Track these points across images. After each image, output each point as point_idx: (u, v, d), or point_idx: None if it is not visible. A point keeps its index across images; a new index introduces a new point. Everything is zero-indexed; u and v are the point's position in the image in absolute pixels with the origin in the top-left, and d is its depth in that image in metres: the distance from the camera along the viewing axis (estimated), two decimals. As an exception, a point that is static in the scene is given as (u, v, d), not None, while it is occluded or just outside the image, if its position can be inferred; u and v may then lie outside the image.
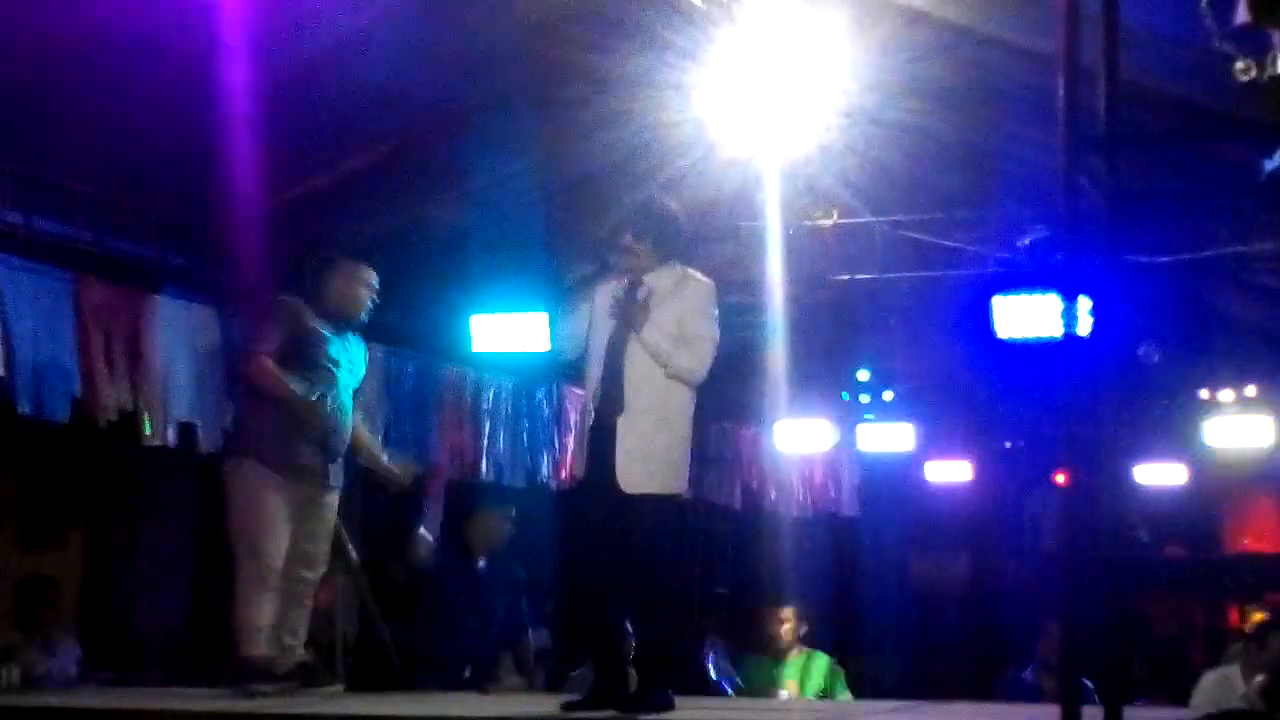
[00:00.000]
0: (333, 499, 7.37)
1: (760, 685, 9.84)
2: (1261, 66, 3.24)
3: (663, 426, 6.11)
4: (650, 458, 6.07)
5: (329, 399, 7.16)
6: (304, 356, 7.16)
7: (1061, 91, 2.99)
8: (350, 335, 7.49)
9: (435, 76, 8.40)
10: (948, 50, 7.92)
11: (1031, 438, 15.84)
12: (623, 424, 6.06)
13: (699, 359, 6.16)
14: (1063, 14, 2.94)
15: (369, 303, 7.50)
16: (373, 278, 7.52)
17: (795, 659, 9.97)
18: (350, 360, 7.40)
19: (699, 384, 6.22)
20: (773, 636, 10.01)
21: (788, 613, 10.06)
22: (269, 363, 7.12)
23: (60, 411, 8.37)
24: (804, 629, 10.23)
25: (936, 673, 15.28)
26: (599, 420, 6.14)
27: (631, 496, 6.01)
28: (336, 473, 7.33)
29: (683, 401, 6.20)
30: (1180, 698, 9.89)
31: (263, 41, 7.62)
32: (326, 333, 7.28)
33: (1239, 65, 3.35)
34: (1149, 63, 6.43)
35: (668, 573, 6.22)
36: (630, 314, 6.09)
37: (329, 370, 7.22)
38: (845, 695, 9.91)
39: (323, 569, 7.44)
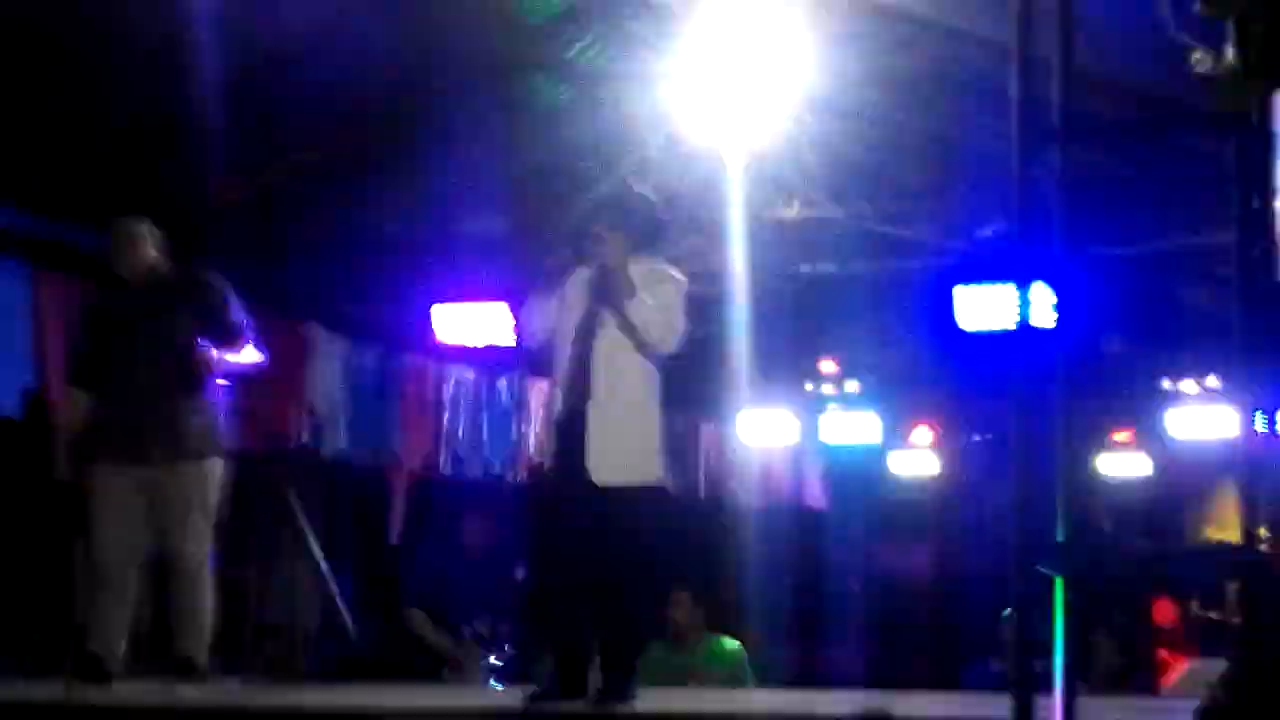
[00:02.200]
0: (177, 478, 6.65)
1: (660, 672, 9.74)
2: (1217, 57, 3.25)
3: (632, 415, 6.09)
4: (622, 448, 6.05)
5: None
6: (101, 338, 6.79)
7: (1015, 82, 3.00)
8: (154, 286, 6.78)
9: (396, 67, 8.38)
10: (909, 42, 7.94)
11: (996, 429, 15.88)
12: (593, 414, 6.03)
13: (662, 333, 6.13)
14: (1016, 4, 2.95)
15: (119, 255, 6.74)
16: (122, 226, 6.78)
17: (697, 646, 9.87)
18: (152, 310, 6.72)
19: (666, 352, 6.17)
20: (673, 622, 9.91)
21: (682, 597, 9.93)
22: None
23: (14, 407, 8.31)
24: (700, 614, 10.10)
25: (901, 664, 15.30)
26: (567, 410, 6.12)
27: (605, 488, 5.99)
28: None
29: (651, 389, 6.18)
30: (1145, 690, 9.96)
31: (219, 36, 7.60)
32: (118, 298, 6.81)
33: (1195, 55, 3.36)
34: (1105, 54, 6.46)
35: (640, 566, 6.20)
36: (613, 293, 6.03)
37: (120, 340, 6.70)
38: (750, 684, 9.81)
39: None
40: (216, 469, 6.76)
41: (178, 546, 6.61)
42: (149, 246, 6.75)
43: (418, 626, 8.92)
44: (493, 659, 9.39)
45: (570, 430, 6.07)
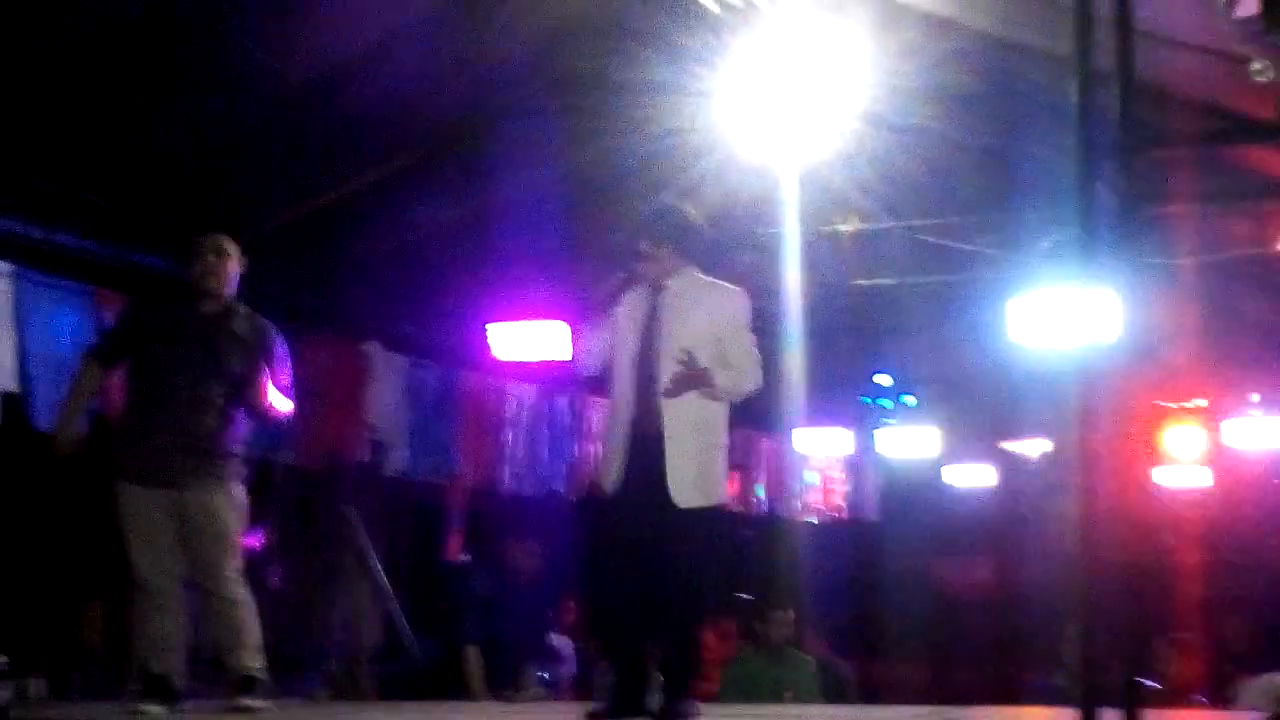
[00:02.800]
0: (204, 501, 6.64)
1: (756, 681, 9.77)
2: (1277, 68, 3.23)
3: (706, 440, 6.09)
4: (700, 472, 6.05)
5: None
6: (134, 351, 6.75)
7: (1075, 96, 2.99)
8: (223, 315, 6.77)
9: (455, 86, 8.43)
10: (967, 55, 7.92)
11: (1056, 441, 15.79)
12: (670, 439, 6.01)
13: (745, 376, 6.12)
14: (1075, 17, 2.94)
15: (207, 269, 6.69)
16: (201, 247, 6.75)
17: (785, 658, 9.95)
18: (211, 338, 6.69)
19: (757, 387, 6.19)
20: (767, 635, 9.98)
21: (787, 615, 10.04)
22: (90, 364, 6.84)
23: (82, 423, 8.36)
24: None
25: (960, 678, 15.23)
26: (636, 434, 6.09)
27: (683, 510, 5.98)
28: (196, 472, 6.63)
29: (720, 412, 6.18)
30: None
31: (283, 54, 7.65)
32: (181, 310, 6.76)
33: (1255, 66, 3.34)
34: (1167, 65, 6.43)
35: (707, 584, 6.21)
36: (689, 380, 6.01)
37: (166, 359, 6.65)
38: (820, 697, 9.90)
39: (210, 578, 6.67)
40: (240, 493, 6.78)
41: (209, 568, 6.62)
42: (233, 267, 6.76)
43: (468, 664, 8.95)
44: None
45: (641, 454, 6.05)
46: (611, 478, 6.12)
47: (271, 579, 9.78)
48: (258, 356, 6.68)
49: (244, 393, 6.66)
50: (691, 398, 6.00)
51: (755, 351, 6.21)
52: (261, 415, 6.78)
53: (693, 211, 6.44)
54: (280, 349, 6.80)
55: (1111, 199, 3.13)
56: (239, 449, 6.77)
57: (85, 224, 8.59)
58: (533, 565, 9.36)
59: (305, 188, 9.03)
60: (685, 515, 5.97)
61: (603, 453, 6.51)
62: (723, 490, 6.20)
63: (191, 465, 6.58)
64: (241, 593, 6.68)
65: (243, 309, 6.80)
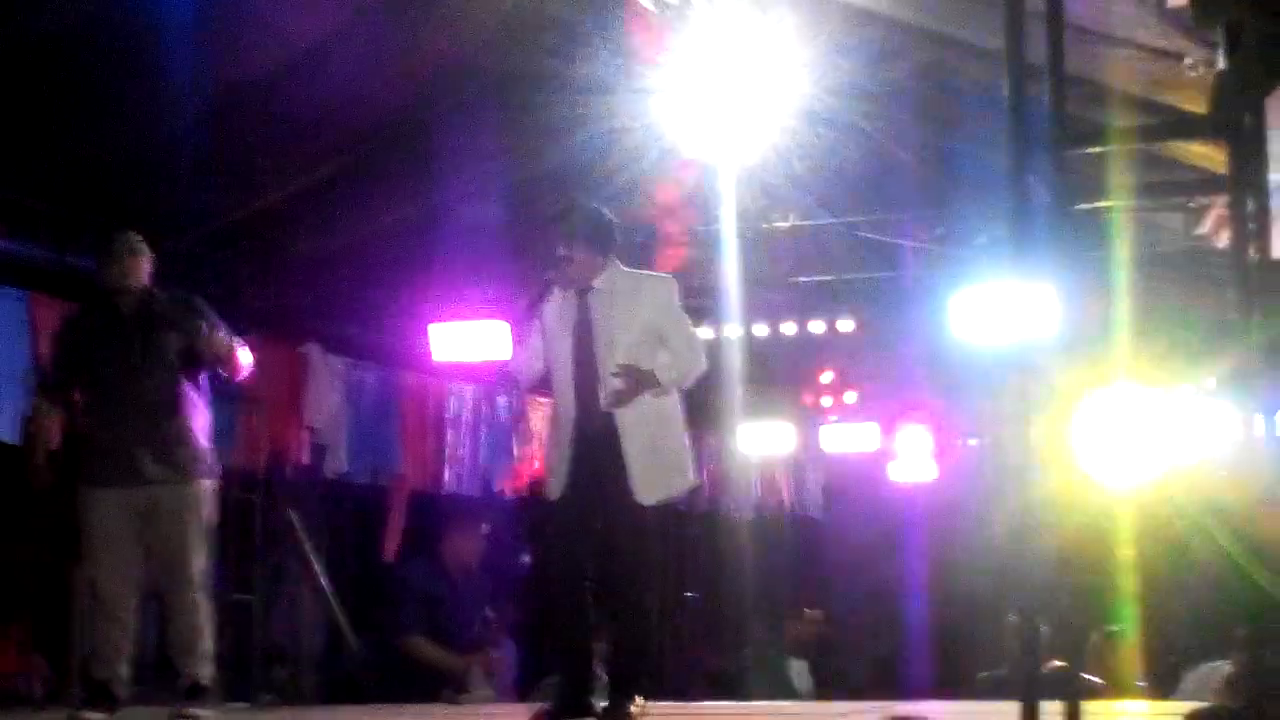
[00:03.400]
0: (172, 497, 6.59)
1: (786, 681, 9.90)
2: (1209, 63, 3.26)
3: (663, 431, 6.10)
4: (663, 466, 6.06)
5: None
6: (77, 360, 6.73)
7: (1006, 90, 3.00)
8: (146, 305, 6.71)
9: (394, 86, 8.39)
10: (901, 51, 7.95)
11: (994, 434, 15.88)
12: (625, 437, 6.01)
13: (690, 360, 6.13)
14: (1006, 12, 2.95)
15: (125, 270, 6.67)
16: (116, 247, 6.69)
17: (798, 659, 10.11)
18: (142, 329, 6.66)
19: (700, 372, 6.19)
20: (794, 636, 10.09)
21: (817, 614, 10.19)
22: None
23: (11, 432, 8.30)
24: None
25: (904, 673, 15.28)
26: (580, 437, 6.08)
27: (634, 507, 5.98)
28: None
29: (674, 402, 6.18)
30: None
31: (221, 53, 7.60)
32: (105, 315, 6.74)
33: (1187, 61, 3.37)
34: (1101, 60, 6.47)
35: (649, 579, 6.22)
36: (633, 390, 6.01)
37: (108, 360, 6.64)
38: None
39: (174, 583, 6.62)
40: (209, 489, 6.73)
41: (175, 568, 6.57)
42: (145, 262, 6.73)
43: (417, 651, 8.89)
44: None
45: (587, 453, 6.03)
46: (557, 482, 6.11)
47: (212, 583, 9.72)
48: (192, 322, 6.61)
49: (197, 360, 6.62)
50: (642, 396, 6.01)
51: (694, 333, 6.23)
52: (228, 370, 6.72)
53: (595, 203, 6.40)
54: (206, 308, 6.74)
55: (1045, 194, 3.14)
56: (204, 442, 6.71)
57: (19, 227, 8.51)
58: (471, 556, 9.29)
59: (244, 189, 8.97)
60: (637, 512, 5.98)
61: (546, 458, 6.50)
62: (687, 479, 6.22)
63: (158, 460, 6.55)
64: (203, 598, 6.65)
65: (157, 291, 6.76)
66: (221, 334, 6.65)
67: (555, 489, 6.11)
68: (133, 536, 6.56)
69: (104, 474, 6.56)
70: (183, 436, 6.61)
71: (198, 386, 6.73)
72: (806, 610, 9.87)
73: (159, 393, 6.59)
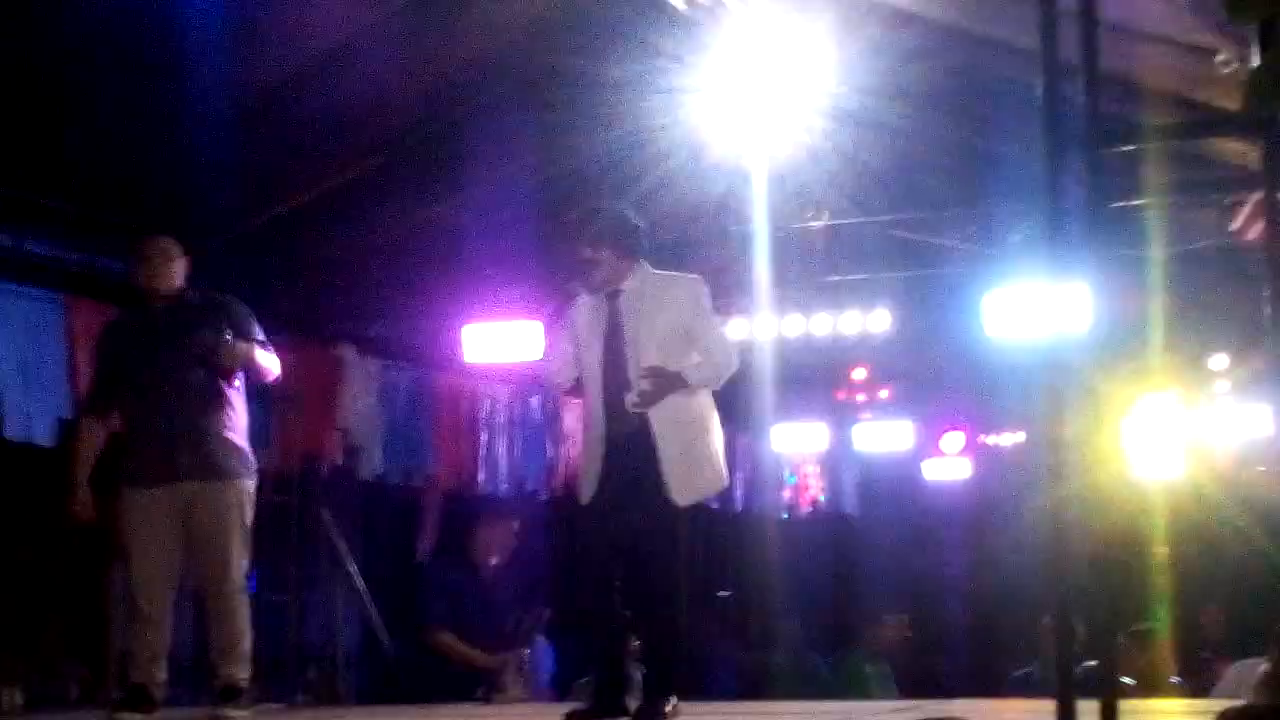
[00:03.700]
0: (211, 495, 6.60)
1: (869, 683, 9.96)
2: (1243, 59, 3.24)
3: (696, 432, 6.09)
4: (696, 466, 6.05)
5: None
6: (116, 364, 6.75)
7: (1041, 88, 2.99)
8: (180, 306, 6.75)
9: (423, 86, 8.41)
10: (935, 51, 7.92)
11: (1030, 433, 15.84)
12: (659, 438, 5.99)
13: (720, 360, 6.11)
14: (1040, 9, 2.94)
15: (154, 272, 6.68)
16: (145, 250, 6.73)
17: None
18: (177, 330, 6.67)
19: (731, 372, 6.17)
20: (885, 637, 10.14)
21: (904, 619, 10.25)
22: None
23: (47, 434, 8.33)
24: None
25: (938, 670, 15.25)
26: (612, 440, 6.07)
27: (667, 507, 5.98)
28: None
29: (704, 403, 6.17)
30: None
31: (249, 55, 7.63)
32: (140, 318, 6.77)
33: (1220, 58, 3.35)
34: (1134, 57, 6.44)
35: (682, 577, 6.21)
36: (659, 392, 6.02)
37: (142, 359, 6.67)
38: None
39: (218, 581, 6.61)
40: (249, 488, 6.73)
41: (215, 567, 6.58)
42: (179, 265, 6.75)
43: (443, 646, 8.87)
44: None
45: (622, 456, 6.03)
46: (588, 484, 6.10)
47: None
48: (219, 324, 6.61)
49: (213, 360, 6.61)
50: (672, 396, 6.00)
51: (724, 333, 6.22)
52: (254, 376, 6.75)
53: (627, 209, 6.38)
54: (244, 311, 6.76)
55: (1080, 192, 3.13)
56: (242, 440, 6.73)
57: (54, 231, 8.56)
58: (501, 552, 9.25)
59: (275, 191, 9.00)
60: (670, 512, 5.97)
61: (579, 461, 6.48)
62: (720, 480, 6.21)
63: (197, 458, 6.55)
64: (244, 599, 6.67)
65: (194, 291, 6.79)
66: (241, 344, 6.65)
67: (586, 492, 6.11)
68: (171, 536, 6.56)
69: (142, 473, 6.58)
70: (220, 434, 6.62)
71: (233, 385, 6.73)
72: (889, 616, 9.92)
73: (194, 391, 6.60)
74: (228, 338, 6.57)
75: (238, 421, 6.73)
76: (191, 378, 6.61)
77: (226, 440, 6.65)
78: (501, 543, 9.24)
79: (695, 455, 6.05)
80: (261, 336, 6.78)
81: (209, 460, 6.59)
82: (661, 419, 5.98)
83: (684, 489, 5.97)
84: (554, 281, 6.61)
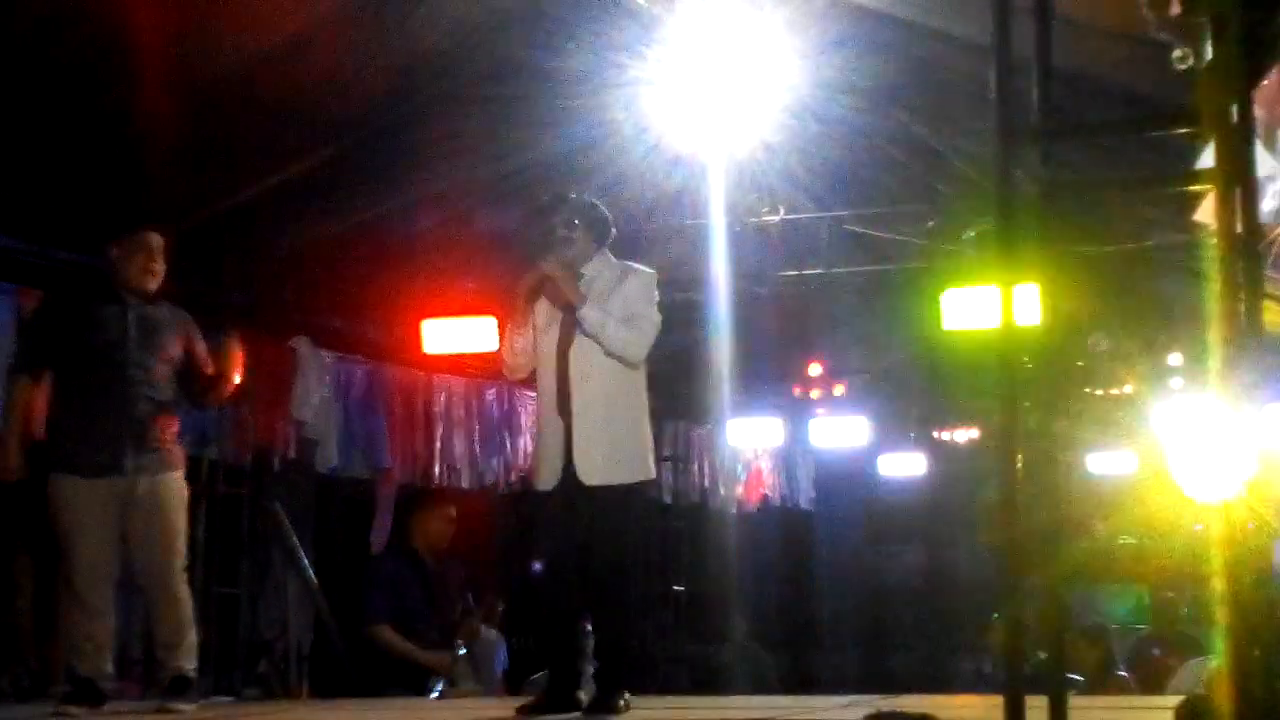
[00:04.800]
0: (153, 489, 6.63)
1: None
2: (1199, 55, 3.24)
3: (616, 414, 6.09)
4: (610, 447, 6.05)
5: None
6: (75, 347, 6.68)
7: (992, 81, 2.99)
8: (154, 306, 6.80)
9: (379, 77, 8.37)
10: (890, 46, 7.94)
11: (984, 429, 15.90)
12: (576, 417, 6.03)
13: (638, 336, 6.14)
14: (994, 3, 2.94)
15: (150, 272, 6.74)
16: (145, 247, 6.77)
17: None
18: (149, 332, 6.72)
19: (638, 361, 6.17)
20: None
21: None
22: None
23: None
24: None
25: (891, 665, 15.31)
26: (549, 419, 6.12)
27: (594, 490, 5.98)
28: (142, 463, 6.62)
29: (633, 387, 6.18)
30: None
31: (202, 45, 7.57)
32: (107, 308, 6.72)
33: (1176, 54, 3.35)
34: (1088, 52, 6.46)
35: (631, 568, 6.20)
36: (565, 283, 6.06)
37: (104, 350, 6.64)
38: None
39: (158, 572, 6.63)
40: (182, 480, 6.78)
41: (159, 560, 6.58)
42: (163, 262, 6.78)
43: (383, 641, 8.81)
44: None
45: (553, 437, 6.06)
46: (544, 473, 6.12)
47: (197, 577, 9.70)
48: (192, 339, 6.77)
49: (192, 375, 6.75)
50: (601, 376, 6.03)
51: (656, 322, 6.23)
52: (216, 391, 6.88)
53: (596, 201, 6.48)
54: (196, 331, 6.88)
55: (1032, 187, 3.13)
56: (180, 438, 6.82)
57: (2, 222, 8.49)
58: (440, 540, 9.18)
59: (229, 182, 8.94)
60: (605, 498, 5.98)
61: (533, 448, 6.51)
62: (643, 468, 6.20)
63: (142, 453, 6.56)
64: (185, 590, 6.68)
65: (162, 298, 6.85)
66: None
67: (543, 480, 6.13)
68: (111, 527, 6.55)
69: (84, 463, 6.55)
70: (163, 431, 6.66)
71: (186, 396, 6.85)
72: None
73: (155, 394, 6.64)
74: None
75: (178, 417, 6.81)
76: (151, 377, 6.64)
77: (168, 435, 6.69)
78: (440, 530, 9.16)
79: (613, 437, 6.05)
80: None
81: (155, 456, 6.62)
82: (581, 397, 6.01)
83: (594, 470, 5.98)
84: (511, 273, 6.60)
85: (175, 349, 6.73)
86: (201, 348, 6.83)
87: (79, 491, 6.54)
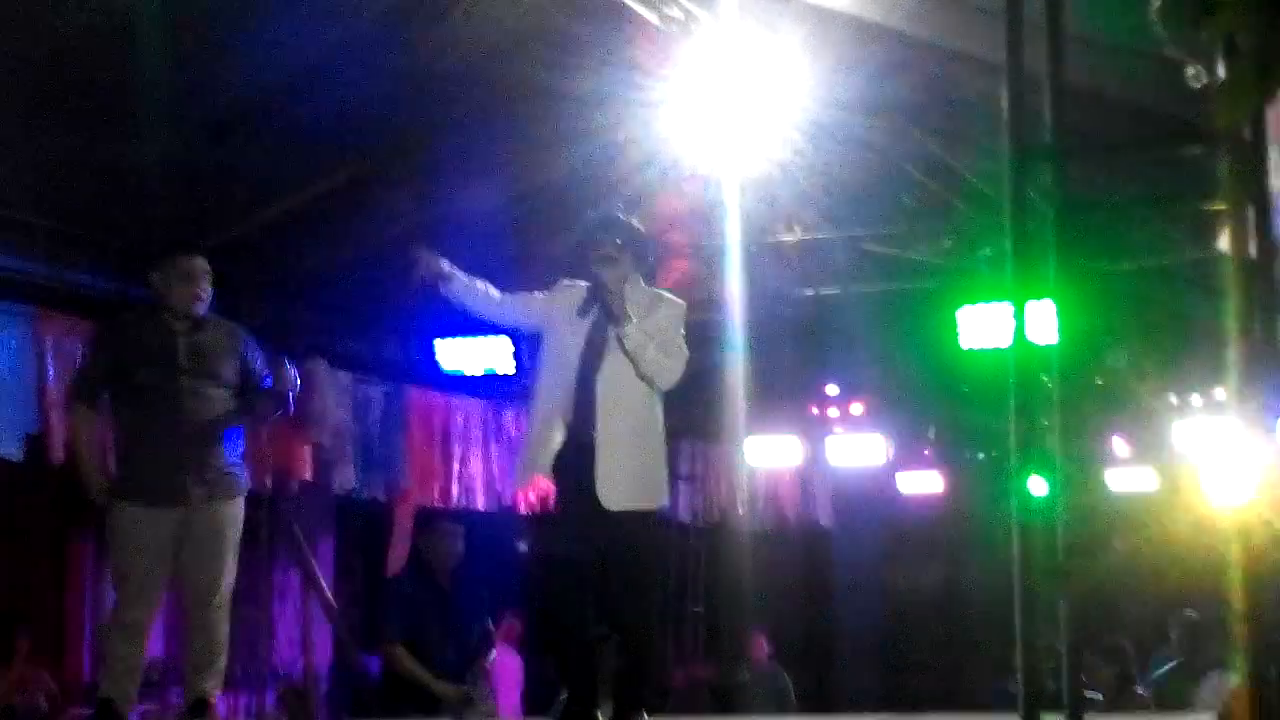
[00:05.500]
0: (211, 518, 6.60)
1: None
2: (1210, 72, 3.25)
3: (640, 442, 6.09)
4: (633, 474, 6.04)
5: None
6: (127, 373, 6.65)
7: (1005, 100, 2.99)
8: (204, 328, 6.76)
9: (397, 99, 8.39)
10: (906, 65, 7.94)
11: (1003, 447, 15.84)
12: (601, 441, 6.02)
13: (674, 364, 6.12)
14: (1006, 20, 2.94)
15: (199, 297, 6.70)
16: (195, 271, 6.72)
17: None
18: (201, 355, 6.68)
19: (667, 389, 6.17)
20: None
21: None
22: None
23: (15, 449, 8.28)
24: None
25: (911, 684, 15.26)
26: (574, 439, 6.10)
27: (615, 514, 5.97)
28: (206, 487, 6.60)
29: (656, 415, 6.18)
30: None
31: (223, 69, 7.61)
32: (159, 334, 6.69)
33: (1190, 71, 3.35)
34: (1101, 70, 6.46)
35: (650, 592, 6.19)
36: (614, 307, 6.03)
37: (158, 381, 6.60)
38: None
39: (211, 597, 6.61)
40: (241, 506, 6.74)
41: (206, 587, 6.56)
42: (209, 285, 6.76)
43: (396, 662, 8.77)
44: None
45: (578, 459, 6.04)
46: (557, 493, 6.09)
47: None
48: (251, 356, 6.74)
49: (258, 392, 6.73)
50: (631, 400, 6.02)
51: (684, 350, 6.22)
52: (282, 402, 6.84)
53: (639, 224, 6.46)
54: (252, 344, 6.84)
55: (1047, 204, 3.13)
56: (241, 463, 6.75)
57: (26, 245, 8.52)
58: (447, 558, 9.14)
59: (247, 204, 8.97)
60: (625, 522, 5.96)
61: (527, 457, 6.47)
62: (661, 495, 6.20)
63: (204, 483, 6.53)
64: (224, 616, 6.64)
65: (212, 317, 6.80)
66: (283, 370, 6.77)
67: (556, 501, 6.10)
68: (166, 557, 6.52)
69: (144, 491, 6.51)
70: (224, 458, 6.63)
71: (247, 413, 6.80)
72: None
73: (212, 419, 6.60)
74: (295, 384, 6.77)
75: (239, 448, 6.76)
76: (213, 406, 6.61)
77: (230, 462, 6.66)
78: (444, 550, 9.11)
79: (640, 465, 6.05)
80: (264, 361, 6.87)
81: (215, 483, 6.58)
82: (608, 425, 6.00)
83: (618, 496, 5.97)
84: (533, 286, 6.59)
85: (230, 371, 6.69)
86: (258, 359, 6.78)
87: (139, 520, 6.50)
